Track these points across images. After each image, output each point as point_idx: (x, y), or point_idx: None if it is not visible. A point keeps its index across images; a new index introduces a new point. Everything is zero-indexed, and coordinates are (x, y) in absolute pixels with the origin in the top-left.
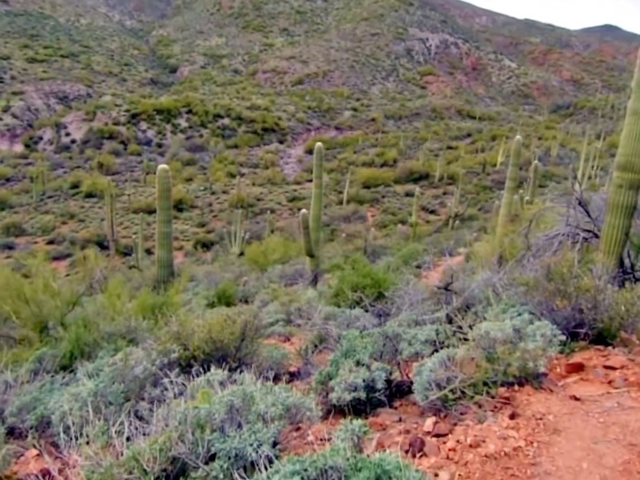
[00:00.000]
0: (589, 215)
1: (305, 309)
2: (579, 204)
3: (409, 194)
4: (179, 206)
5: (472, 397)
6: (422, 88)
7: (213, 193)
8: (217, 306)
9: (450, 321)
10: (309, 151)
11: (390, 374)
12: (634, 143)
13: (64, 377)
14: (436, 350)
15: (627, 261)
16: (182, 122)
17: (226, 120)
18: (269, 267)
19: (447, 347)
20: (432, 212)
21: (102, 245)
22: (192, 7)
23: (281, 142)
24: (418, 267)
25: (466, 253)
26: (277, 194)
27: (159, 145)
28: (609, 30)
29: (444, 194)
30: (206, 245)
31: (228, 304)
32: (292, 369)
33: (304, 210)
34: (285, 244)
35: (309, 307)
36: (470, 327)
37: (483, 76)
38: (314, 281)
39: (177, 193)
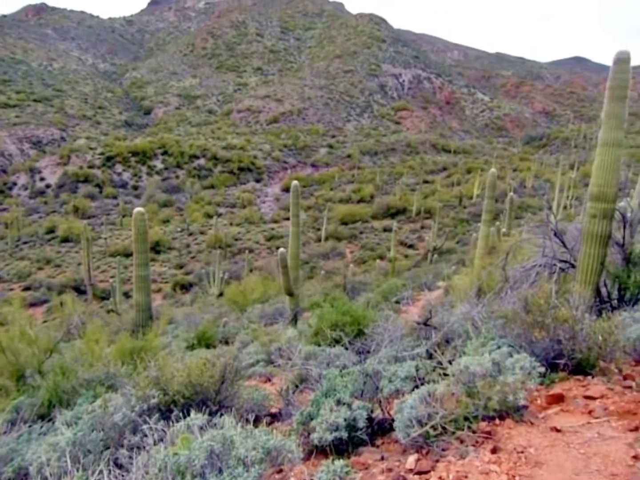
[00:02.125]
0: (564, 246)
1: (286, 349)
2: (555, 234)
3: (386, 229)
4: (157, 248)
5: (453, 433)
6: (396, 123)
7: (190, 234)
8: (197, 348)
9: (430, 356)
10: (286, 189)
11: (372, 411)
12: (605, 174)
13: (42, 427)
14: (417, 387)
15: (603, 290)
16: (158, 164)
17: (202, 161)
18: (249, 307)
19: (428, 383)
20: (410, 246)
21: (79, 290)
22: (165, 48)
23: (258, 181)
24: (398, 302)
25: (445, 287)
26: (255, 233)
27: (135, 188)
28: (579, 61)
29: (422, 228)
30: (185, 287)
31: (208, 346)
32: (273, 410)
33: (282, 249)
34: (265, 283)
35: (289, 347)
36: (450, 362)
37: (457, 110)
38: (294, 320)
39: (154, 235)
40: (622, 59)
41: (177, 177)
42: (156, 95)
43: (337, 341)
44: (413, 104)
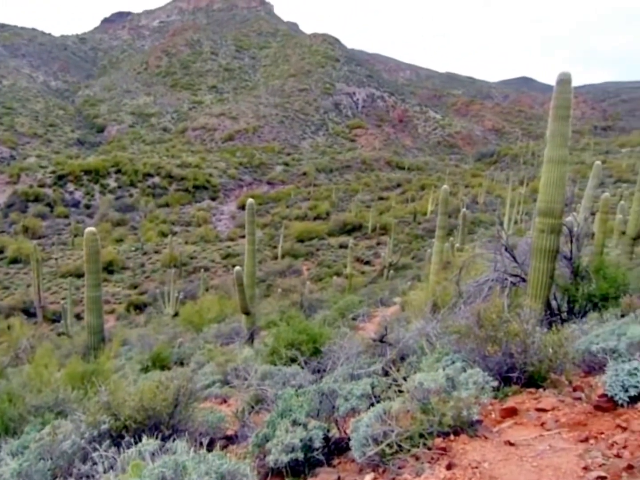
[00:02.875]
0: (515, 260)
1: (242, 369)
2: (506, 249)
3: (343, 246)
4: (110, 268)
5: (409, 450)
6: (351, 141)
7: (145, 253)
8: (151, 370)
9: (386, 374)
10: (242, 207)
11: (328, 431)
12: (552, 190)
13: None
14: (372, 405)
15: (554, 303)
16: (111, 182)
17: (156, 179)
18: (205, 327)
19: (384, 400)
20: (366, 262)
21: (29, 313)
22: (119, 66)
23: (213, 199)
24: (354, 319)
25: (401, 302)
26: (211, 251)
27: (87, 207)
28: (525, 81)
29: (378, 244)
30: (139, 307)
31: (163, 368)
32: (229, 433)
33: (238, 267)
34: (221, 302)
35: (245, 367)
36: (405, 378)
37: (410, 128)
38: (251, 339)
39: (107, 254)
40: (564, 80)
41: (131, 195)
42: (109, 113)
43: (294, 360)
44: (367, 122)
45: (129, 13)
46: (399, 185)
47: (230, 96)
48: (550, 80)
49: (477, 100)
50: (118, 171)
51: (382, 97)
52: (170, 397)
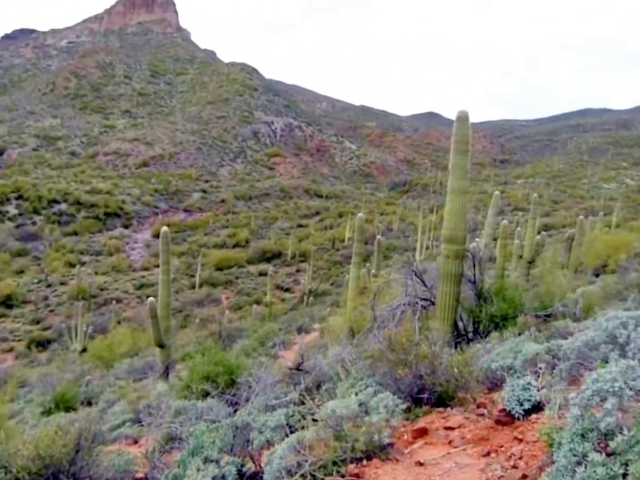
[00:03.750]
0: (425, 285)
1: (155, 406)
2: (416, 275)
3: (262, 274)
4: (9, 302)
5: (323, 479)
6: (270, 169)
7: (49, 285)
8: (54, 413)
9: (302, 402)
10: (157, 235)
11: (242, 466)
12: (455, 218)
13: None
14: (287, 435)
15: (460, 324)
16: (11, 209)
17: (63, 206)
18: (116, 363)
19: (298, 430)
20: (286, 290)
21: None
22: (21, 86)
23: (126, 227)
24: (274, 347)
25: (320, 329)
26: (123, 282)
27: None
28: (433, 116)
29: (297, 271)
30: (42, 344)
31: (68, 409)
32: (138, 476)
33: (151, 298)
34: (134, 335)
35: (159, 403)
36: (318, 406)
37: (327, 157)
38: (166, 373)
39: (5, 288)
40: (462, 118)
41: (34, 223)
42: (10, 135)
43: (209, 394)
44: (286, 151)
45: (33, 30)
46: (317, 213)
47: (145, 121)
48: (454, 115)
49: (389, 133)
50: (19, 197)
51: (300, 127)
52: (71, 442)
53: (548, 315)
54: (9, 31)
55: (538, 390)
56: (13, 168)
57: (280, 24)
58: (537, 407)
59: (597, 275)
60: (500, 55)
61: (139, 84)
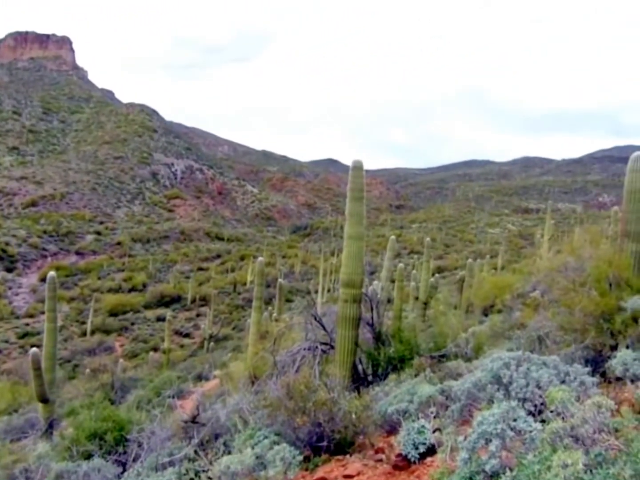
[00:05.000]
0: (324, 329)
1: (34, 469)
2: (315, 319)
3: (160, 319)
4: None
5: None
6: (169, 211)
7: None
8: None
9: (197, 458)
10: (44, 279)
11: None
12: (352, 262)
13: None
14: None
15: (359, 367)
16: None
17: None
18: None
19: None
20: (186, 335)
21: None
22: None
23: (9, 271)
24: (172, 397)
25: (221, 375)
26: (5, 330)
27: None
28: (332, 162)
29: (198, 315)
30: None
31: None
32: None
33: (34, 349)
34: (14, 389)
35: (38, 467)
36: (212, 462)
37: (229, 200)
38: (49, 431)
39: None
40: (357, 167)
41: None
42: None
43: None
44: (186, 193)
45: None
46: (218, 256)
47: (34, 159)
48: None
49: (290, 177)
50: None
51: (201, 170)
52: None
53: (442, 356)
54: None
55: (432, 433)
56: None
57: (182, 67)
58: (432, 450)
59: (486, 315)
60: (394, 107)
61: (29, 120)
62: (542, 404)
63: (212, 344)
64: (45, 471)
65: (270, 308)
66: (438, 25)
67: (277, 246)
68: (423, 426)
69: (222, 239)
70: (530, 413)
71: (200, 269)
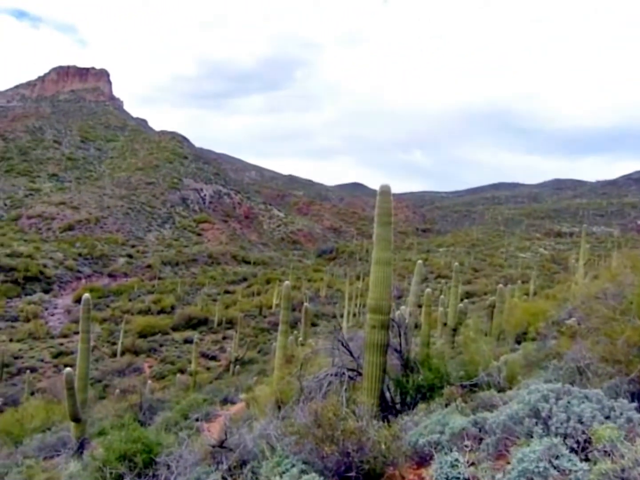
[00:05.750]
0: (352, 355)
1: None
2: (342, 344)
3: (188, 341)
4: None
5: None
6: (198, 235)
7: None
8: None
9: None
10: (79, 300)
11: None
12: (380, 288)
13: None
14: None
15: (387, 395)
16: None
17: None
18: (26, 438)
19: None
20: (212, 358)
21: None
22: None
23: (46, 292)
24: (198, 419)
25: (247, 399)
26: (40, 349)
27: None
28: (357, 187)
29: (224, 338)
30: None
31: None
32: None
33: (68, 369)
34: (48, 407)
35: None
36: None
37: (255, 224)
38: (80, 450)
39: None
40: (384, 191)
41: None
42: None
43: (124, 475)
44: (214, 217)
45: None
46: (245, 279)
47: (72, 185)
48: (377, 187)
49: (316, 201)
50: None
51: (229, 194)
52: None
53: (474, 385)
54: None
55: (466, 467)
56: None
57: (212, 95)
58: None
59: (518, 343)
60: (418, 129)
61: (68, 148)
62: (585, 441)
63: (237, 367)
64: None
65: (295, 332)
66: (457, 40)
67: (303, 270)
68: (457, 459)
69: (248, 263)
70: (572, 450)
71: (227, 292)
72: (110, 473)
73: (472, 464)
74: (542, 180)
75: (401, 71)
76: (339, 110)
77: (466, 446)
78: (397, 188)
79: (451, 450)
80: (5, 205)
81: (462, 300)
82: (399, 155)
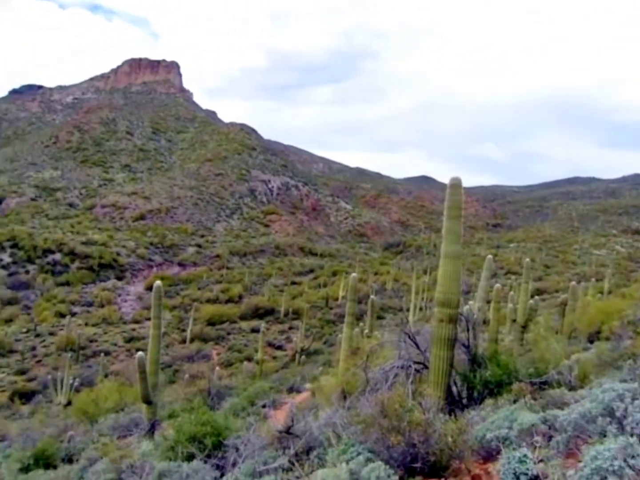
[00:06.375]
0: (418, 348)
1: (139, 466)
2: (409, 337)
3: (254, 330)
4: None
5: None
6: (265, 226)
7: (38, 335)
8: (33, 470)
9: (292, 468)
10: (150, 288)
11: None
12: (448, 282)
13: None
14: None
15: (454, 389)
16: (5, 257)
17: (57, 256)
18: (101, 418)
19: None
20: (278, 347)
21: None
22: (25, 138)
23: (119, 279)
24: (264, 406)
25: (312, 389)
26: (113, 334)
27: None
28: (426, 180)
29: (290, 328)
30: (26, 396)
31: (48, 466)
32: None
33: (140, 353)
34: (121, 389)
35: (142, 463)
36: (308, 474)
37: (322, 216)
38: (151, 431)
39: None
40: (455, 184)
41: (27, 272)
42: (10, 184)
43: (195, 455)
44: (281, 209)
45: (40, 86)
46: (311, 271)
47: (144, 176)
48: (447, 180)
49: (384, 194)
50: (14, 245)
51: (296, 186)
52: None
53: (543, 383)
54: (17, 86)
55: (535, 464)
56: (10, 217)
57: (280, 87)
58: None
59: (591, 342)
60: (488, 121)
61: (140, 140)
62: None
63: (303, 357)
64: (149, 468)
65: (361, 324)
66: (532, 29)
67: (369, 263)
68: (525, 455)
69: (315, 254)
70: None
71: (294, 283)
72: (182, 452)
73: (541, 460)
74: (621, 175)
75: (474, 61)
76: (408, 101)
77: (536, 441)
78: (467, 182)
79: (519, 446)
80: (81, 194)
81: (532, 297)
82: (470, 148)
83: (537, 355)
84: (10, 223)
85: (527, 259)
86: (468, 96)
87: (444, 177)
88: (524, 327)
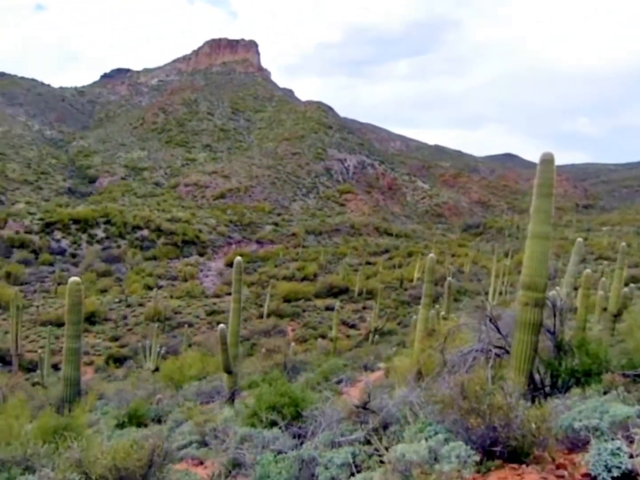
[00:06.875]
0: (499, 332)
1: (221, 430)
2: (490, 321)
3: (329, 308)
4: (92, 319)
5: None
6: (341, 205)
7: (129, 305)
8: (127, 427)
9: (367, 442)
10: (230, 264)
11: None
12: (535, 264)
13: None
14: (353, 474)
15: (537, 376)
16: (99, 233)
17: (145, 232)
18: (185, 384)
19: (364, 470)
20: (352, 326)
21: (4, 361)
22: (115, 120)
23: (201, 255)
24: (338, 382)
25: (386, 368)
26: (196, 307)
27: (73, 255)
28: (510, 158)
29: (364, 308)
30: (119, 361)
31: (139, 425)
32: None
33: (222, 325)
34: (203, 359)
35: (224, 428)
36: (387, 449)
37: (398, 196)
38: (232, 399)
39: (90, 305)
40: (547, 160)
41: (119, 247)
42: (102, 164)
43: (274, 423)
44: (357, 188)
45: (128, 70)
46: (386, 251)
47: (223, 155)
48: (534, 157)
49: (464, 173)
50: (107, 222)
51: (373, 165)
52: (144, 457)
53: (638, 375)
54: (107, 70)
55: (630, 458)
56: (103, 195)
57: (357, 63)
58: (627, 476)
59: None
60: (580, 94)
61: (220, 120)
62: None
63: (377, 336)
64: (232, 433)
65: (437, 306)
66: None
67: (447, 244)
68: (619, 448)
69: (390, 235)
70: None
71: (368, 262)
72: (265, 419)
73: (638, 455)
74: None
75: (568, 26)
76: (490, 73)
77: (635, 433)
78: (556, 159)
79: (612, 439)
80: (166, 174)
81: (627, 284)
82: (559, 122)
83: (632, 345)
84: (103, 201)
85: (623, 244)
86: (562, 65)
87: (530, 155)
88: (616, 317)
